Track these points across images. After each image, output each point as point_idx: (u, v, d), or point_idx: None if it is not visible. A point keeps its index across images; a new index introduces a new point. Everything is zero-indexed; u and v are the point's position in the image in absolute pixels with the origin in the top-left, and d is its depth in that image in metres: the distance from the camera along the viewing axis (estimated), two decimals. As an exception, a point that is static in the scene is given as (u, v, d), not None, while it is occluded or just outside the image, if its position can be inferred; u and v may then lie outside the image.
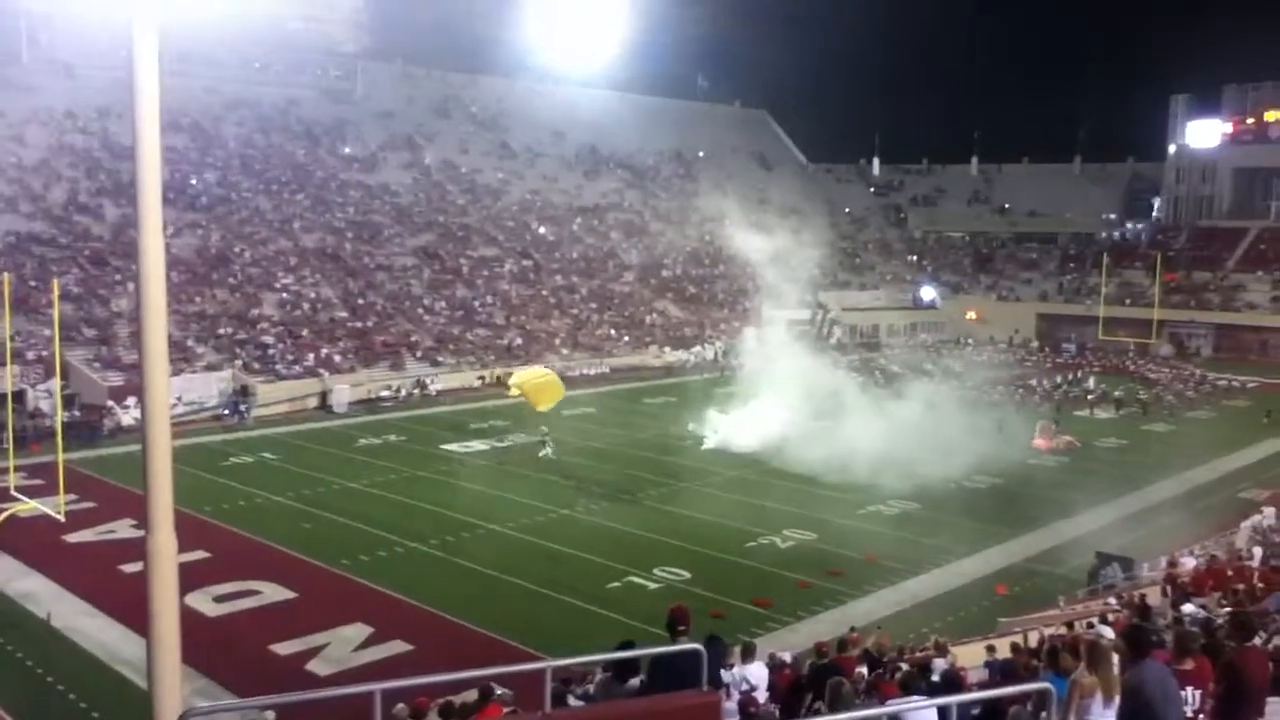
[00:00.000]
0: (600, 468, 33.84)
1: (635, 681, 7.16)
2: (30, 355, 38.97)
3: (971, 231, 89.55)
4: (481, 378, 50.31)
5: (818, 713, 8.01)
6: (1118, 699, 6.11)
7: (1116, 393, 50.20)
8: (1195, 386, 53.20)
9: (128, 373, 38.70)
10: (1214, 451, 37.75)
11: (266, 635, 19.25)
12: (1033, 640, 15.05)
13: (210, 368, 42.99)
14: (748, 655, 11.47)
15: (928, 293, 78.16)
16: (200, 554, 22.37)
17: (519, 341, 54.87)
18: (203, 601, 20.41)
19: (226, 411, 40.86)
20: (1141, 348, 64.73)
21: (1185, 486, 33.08)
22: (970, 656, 14.42)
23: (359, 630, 19.56)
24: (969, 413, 37.18)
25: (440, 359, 50.55)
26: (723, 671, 10.72)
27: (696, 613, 19.60)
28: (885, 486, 29.98)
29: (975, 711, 8.55)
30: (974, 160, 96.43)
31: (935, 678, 10.61)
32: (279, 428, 39.84)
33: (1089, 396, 49.63)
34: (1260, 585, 15.38)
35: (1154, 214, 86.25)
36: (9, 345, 29.52)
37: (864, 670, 11.71)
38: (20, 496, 22.52)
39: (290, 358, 45.66)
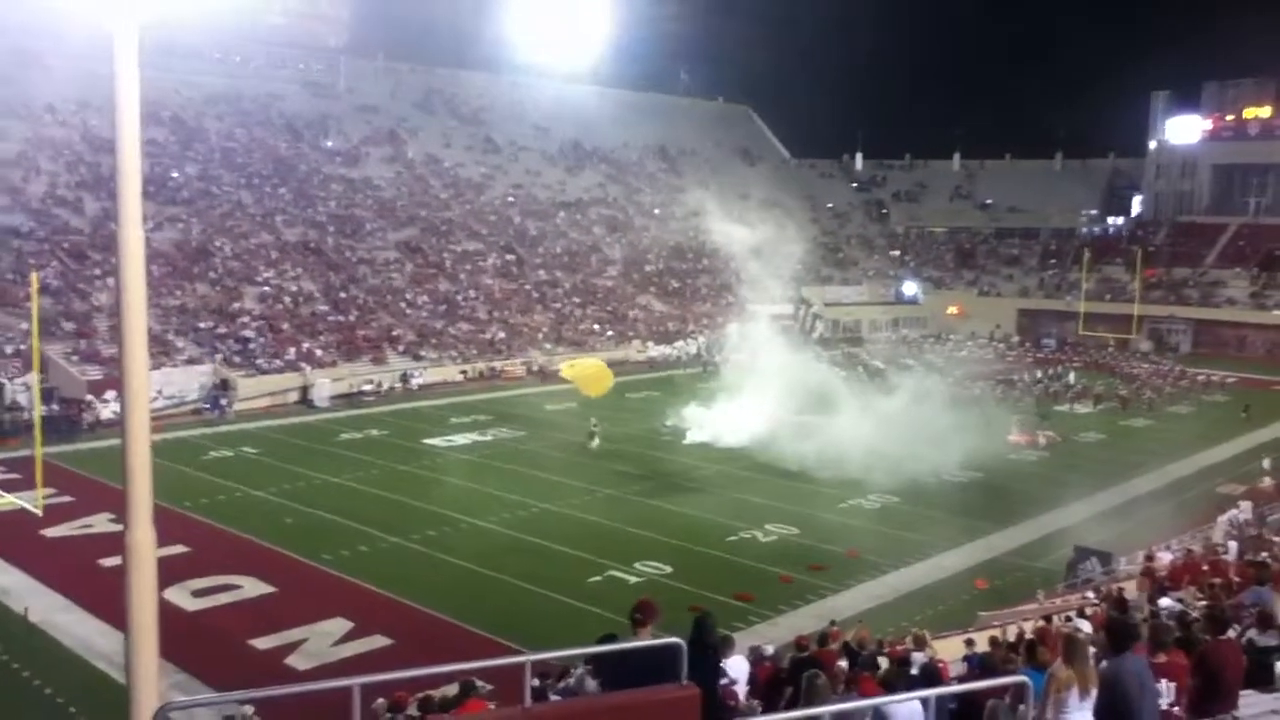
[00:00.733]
0: (582, 462, 33.82)
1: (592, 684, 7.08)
2: (8, 349, 38.75)
3: (953, 227, 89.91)
4: (464, 372, 50.25)
5: (796, 706, 8.04)
6: (1094, 692, 6.17)
7: (1096, 388, 50.57)
8: (1174, 382, 53.57)
9: (107, 366, 38.46)
10: (1192, 446, 38.04)
11: (245, 630, 19.17)
12: (1011, 634, 15.14)
13: (190, 362, 42.75)
14: (727, 648, 11.48)
15: (909, 288, 78.48)
16: (179, 549, 22.24)
17: (501, 336, 54.78)
18: (181, 596, 20.32)
19: (207, 406, 40.64)
20: (1121, 343, 65.19)
21: (1163, 481, 33.33)
22: (950, 650, 14.50)
23: (339, 625, 19.51)
24: (950, 407, 37.32)
25: (422, 353, 50.43)
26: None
27: (677, 607, 19.67)
28: (867, 481, 30.09)
29: (953, 705, 8.62)
30: (956, 156, 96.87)
31: (914, 671, 10.68)
32: (259, 422, 39.67)
33: (1069, 391, 49.95)
34: (1236, 579, 15.50)
35: (1134, 210, 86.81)
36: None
37: (844, 663, 11.76)
38: (-2, 491, 22.38)
39: (271, 352, 45.46)
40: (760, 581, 22.60)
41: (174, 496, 26.27)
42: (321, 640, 18.81)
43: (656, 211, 79.69)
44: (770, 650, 13.86)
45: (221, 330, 45.79)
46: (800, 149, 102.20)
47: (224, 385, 41.85)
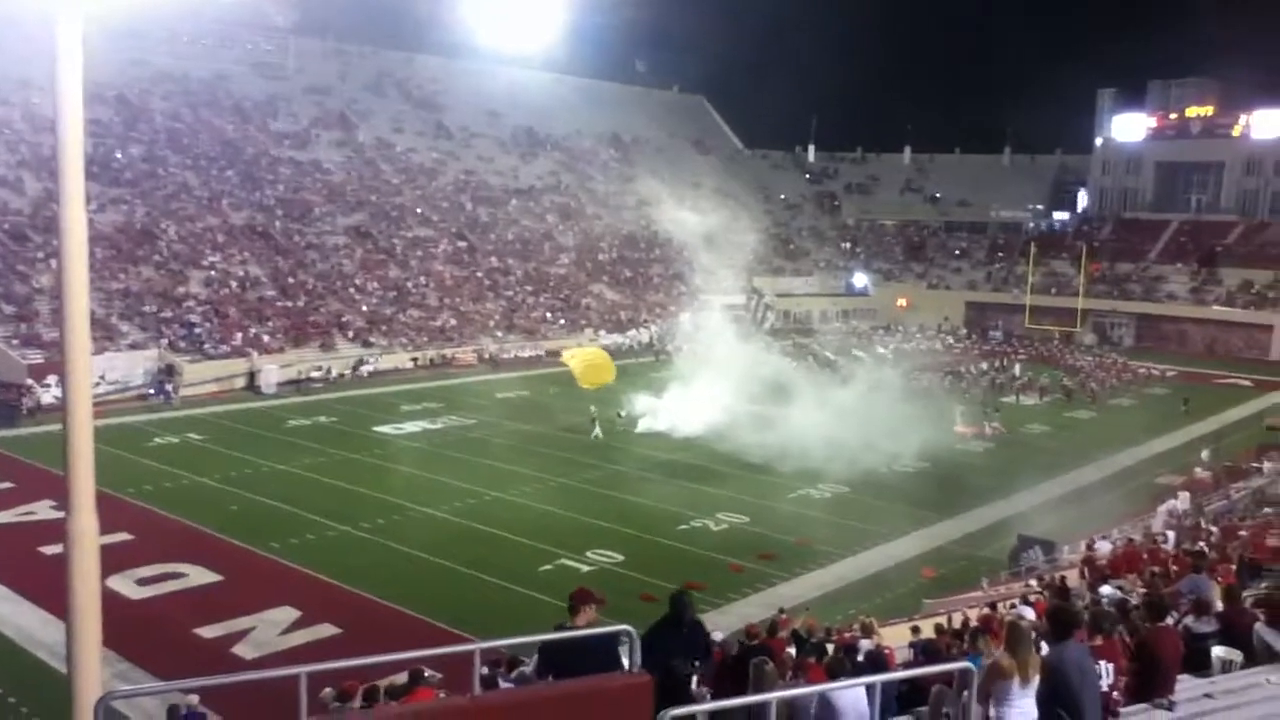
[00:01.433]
0: (534, 450, 33.75)
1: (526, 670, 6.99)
2: (-55, 332, 37.84)
3: (903, 220, 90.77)
4: (414, 359, 49.91)
5: (744, 693, 8.10)
6: (1036, 679, 6.29)
7: (1041, 380, 51.38)
8: (1117, 375, 54.57)
9: (48, 350, 37.69)
10: (1133, 438, 38.78)
11: (191, 618, 18.94)
12: (957, 621, 15.37)
13: (134, 346, 42.04)
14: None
15: (859, 280, 79.15)
16: (123, 536, 21.93)
17: (453, 323, 54.47)
18: (125, 584, 20.02)
19: (151, 391, 39.99)
20: (1066, 336, 66.28)
21: (1105, 472, 33.94)
22: (896, 637, 14.70)
23: (286, 613, 19.33)
24: (899, 399, 37.72)
25: (372, 340, 50.00)
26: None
27: (628, 594, 19.74)
28: (817, 471, 30.38)
29: (902, 689, 8.75)
30: (907, 150, 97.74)
31: (860, 658, 10.81)
32: (205, 408, 39.11)
33: (1015, 383, 50.70)
34: (1174, 568, 15.87)
35: (1080, 205, 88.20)
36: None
37: (792, 651, 11.87)
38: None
39: (217, 337, 44.82)
40: (711, 570, 22.72)
41: (117, 483, 25.86)
42: (269, 629, 18.63)
43: (610, 200, 79.57)
44: (719, 637, 13.96)
45: (166, 314, 45.06)
46: (753, 140, 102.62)
47: (169, 370, 41.21)
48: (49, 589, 16.54)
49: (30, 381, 37.07)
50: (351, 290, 54.04)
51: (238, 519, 25.33)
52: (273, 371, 43.34)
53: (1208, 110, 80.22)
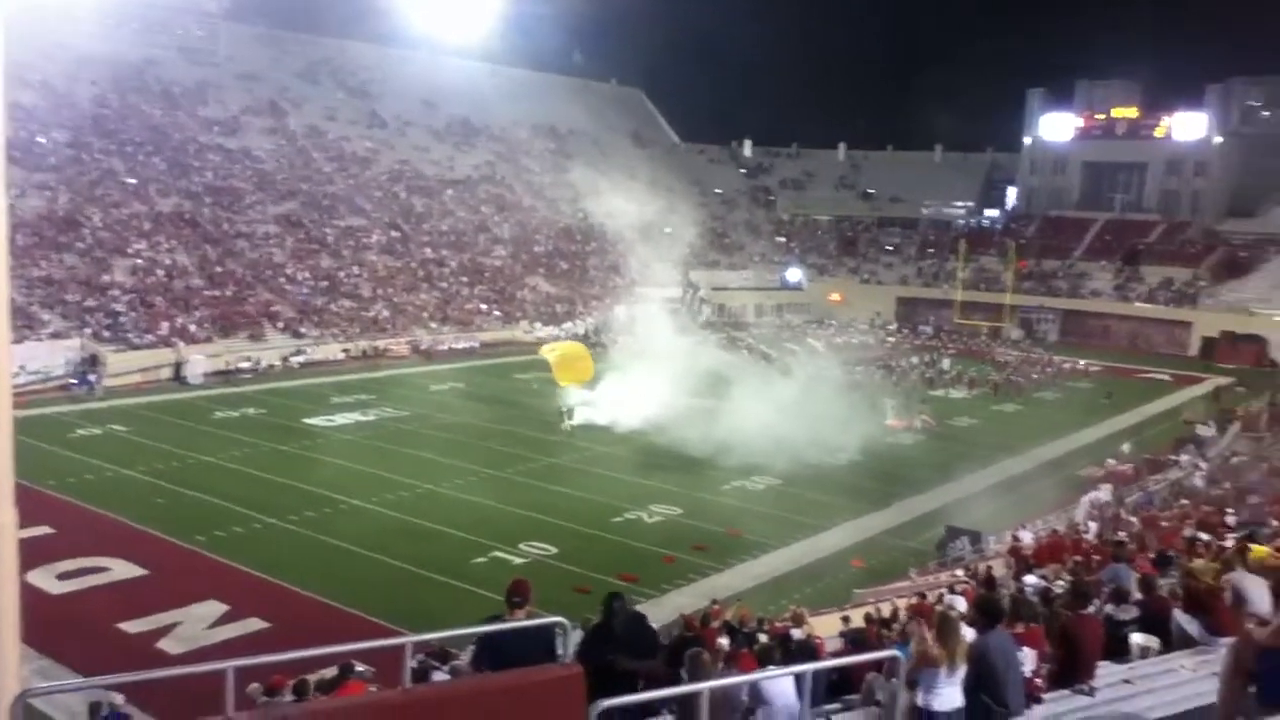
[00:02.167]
0: (468, 443, 33.55)
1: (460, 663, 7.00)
2: None
3: (837, 215, 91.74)
4: (346, 350, 49.27)
5: (680, 682, 8.16)
6: (962, 667, 6.44)
7: (970, 373, 52.33)
8: (1042, 369, 55.75)
9: (-36, 339, 36.55)
10: (1058, 431, 39.65)
11: (114, 613, 18.51)
12: (886, 611, 15.61)
13: (57, 335, 40.96)
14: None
15: (794, 274, 79.81)
16: (44, 529, 21.37)
17: (386, 314, 53.88)
18: (46, 579, 19.51)
19: (74, 381, 38.96)
20: (994, 331, 67.56)
21: (1031, 464, 34.65)
22: (826, 627, 14.89)
23: (213, 608, 18.99)
24: (832, 392, 38.11)
25: (303, 331, 49.28)
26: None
27: (562, 587, 19.75)
28: (751, 463, 30.58)
29: (833, 677, 8.89)
30: (841, 146, 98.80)
31: (791, 647, 10.94)
32: (130, 399, 38.22)
33: (944, 377, 51.57)
34: (1096, 558, 16.29)
35: (1009, 203, 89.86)
36: None
37: (724, 641, 11.96)
38: None
39: (143, 326, 43.83)
40: (644, 561, 22.80)
41: (38, 475, 25.19)
42: (195, 624, 18.28)
43: (546, 192, 79.26)
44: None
45: (90, 303, 43.94)
46: (690, 134, 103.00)
47: (92, 360, 40.21)
48: (-35, 584, 16.06)
49: (-55, 371, 35.94)
50: (282, 280, 53.19)
51: (163, 512, 24.80)
52: (200, 362, 42.50)
53: (1132, 112, 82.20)
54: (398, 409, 38.56)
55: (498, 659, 6.25)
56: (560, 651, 6.27)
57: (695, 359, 38.71)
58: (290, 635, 17.28)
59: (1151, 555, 14.87)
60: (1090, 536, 21.61)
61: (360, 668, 11.51)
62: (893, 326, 73.22)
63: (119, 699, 12.32)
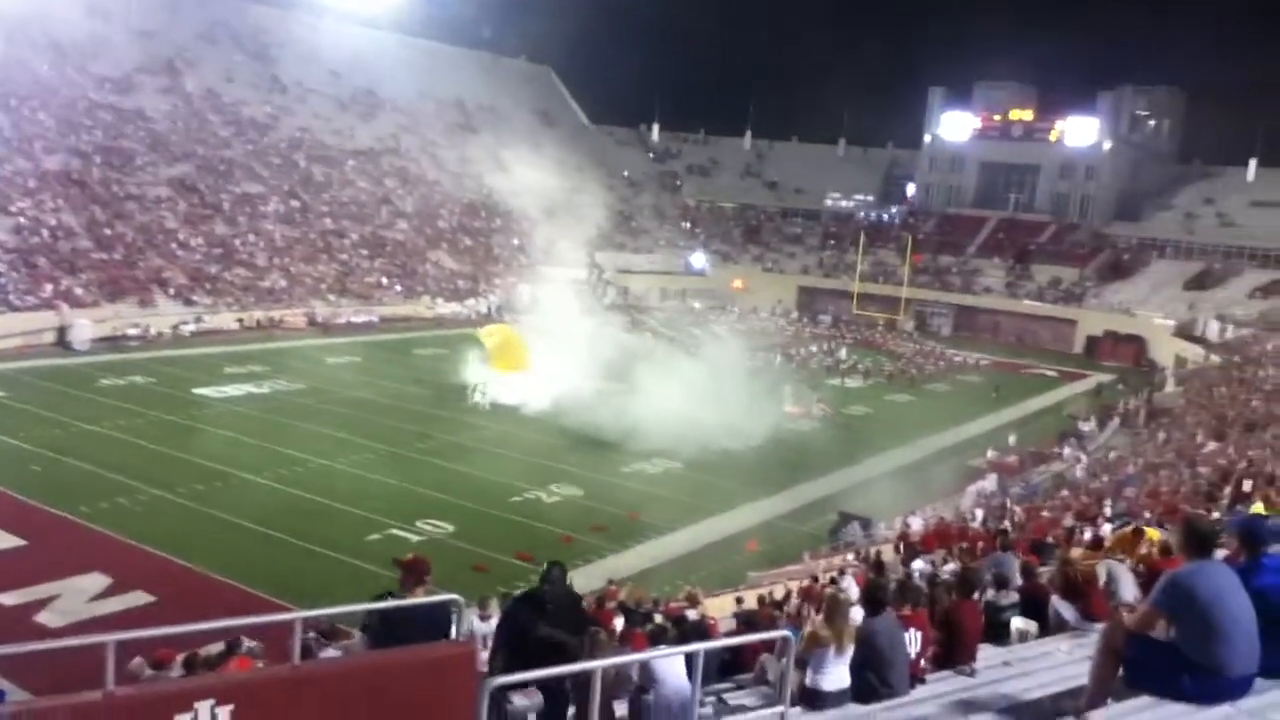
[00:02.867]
0: (365, 418, 33.04)
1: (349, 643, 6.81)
2: None
3: (742, 203, 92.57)
4: (240, 320, 47.98)
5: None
6: (850, 648, 6.63)
7: (865, 363, 53.44)
8: (935, 361, 57.25)
9: None
10: (948, 422, 40.78)
11: (-11, 586, 17.82)
12: (779, 593, 15.91)
13: (-71, 295, 39.08)
14: (487, 606, 11.46)
15: (698, 260, 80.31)
16: (-89, 498, 20.46)
17: (282, 284, 52.63)
18: (-87, 549, 18.69)
19: (-53, 344, 37.27)
20: (890, 323, 69.04)
21: (921, 453, 35.58)
22: (720, 608, 15.11)
23: (95, 580, 18.42)
24: (733, 378, 38.49)
25: (195, 298, 47.84)
26: (477, 621, 10.75)
27: (459, 565, 19.65)
28: (652, 446, 30.72)
29: (726, 657, 9.04)
30: (748, 135, 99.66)
31: (685, 628, 11.05)
32: (9, 363, 36.62)
33: (840, 366, 52.56)
34: (981, 545, 16.84)
35: (908, 199, 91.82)
36: None
37: (619, 621, 12.05)
38: None
39: (24, 288, 42.00)
40: (542, 541, 22.76)
41: (-95, 441, 24.07)
42: (76, 597, 17.69)
43: (451, 167, 78.21)
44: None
45: (-33, 263, 42.00)
46: (599, 115, 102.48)
47: (-32, 322, 38.46)
48: None
49: None
50: (174, 245, 51.48)
51: (43, 481, 23.90)
52: (85, 327, 40.92)
53: (1028, 114, 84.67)
54: (292, 382, 37.77)
55: (390, 636, 6.17)
56: (454, 631, 6.22)
57: (599, 341, 38.70)
58: (176, 610, 16.86)
59: (1031, 542, 15.43)
60: (976, 524, 22.31)
61: (249, 644, 11.27)
62: (793, 315, 74.25)
63: (-9, 674, 11.84)
